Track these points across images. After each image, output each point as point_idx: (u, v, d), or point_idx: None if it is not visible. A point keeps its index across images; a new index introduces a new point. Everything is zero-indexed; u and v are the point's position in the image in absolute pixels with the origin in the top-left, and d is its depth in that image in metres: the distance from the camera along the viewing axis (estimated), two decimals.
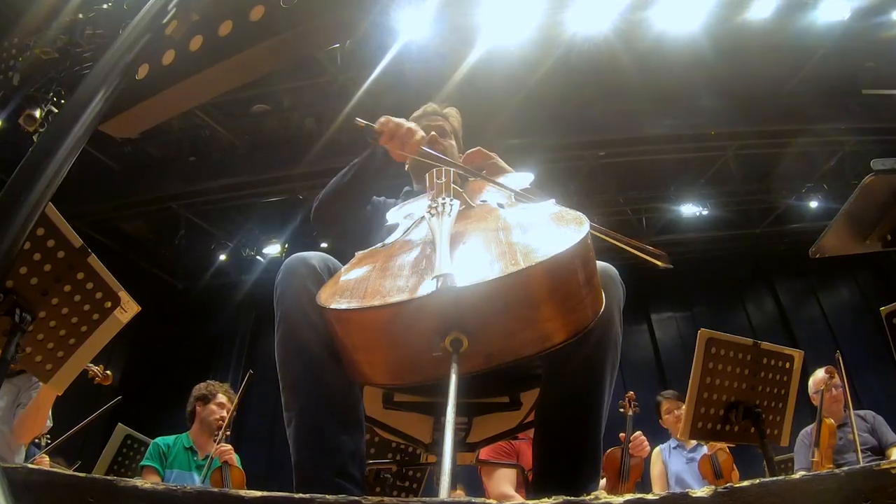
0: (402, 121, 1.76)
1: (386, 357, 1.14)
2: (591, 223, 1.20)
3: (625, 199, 9.18)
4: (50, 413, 3.00)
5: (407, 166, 2.20)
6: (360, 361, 1.17)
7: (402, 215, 1.67)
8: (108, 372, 3.39)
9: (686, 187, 9.20)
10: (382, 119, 1.76)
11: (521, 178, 1.81)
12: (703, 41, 6.79)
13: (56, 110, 5.81)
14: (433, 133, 2.10)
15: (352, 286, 1.17)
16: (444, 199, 1.38)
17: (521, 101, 7.33)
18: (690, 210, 9.45)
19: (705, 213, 9.45)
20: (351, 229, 1.95)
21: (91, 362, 2.78)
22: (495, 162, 1.94)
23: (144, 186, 8.51)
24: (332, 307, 1.12)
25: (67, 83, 5.91)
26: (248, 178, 8.32)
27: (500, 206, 1.52)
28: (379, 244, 1.41)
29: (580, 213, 1.23)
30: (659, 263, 1.32)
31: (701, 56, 6.95)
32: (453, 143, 2.18)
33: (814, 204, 9.11)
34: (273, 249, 10.14)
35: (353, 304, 1.10)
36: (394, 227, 1.57)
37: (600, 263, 1.31)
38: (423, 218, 1.41)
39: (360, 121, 1.75)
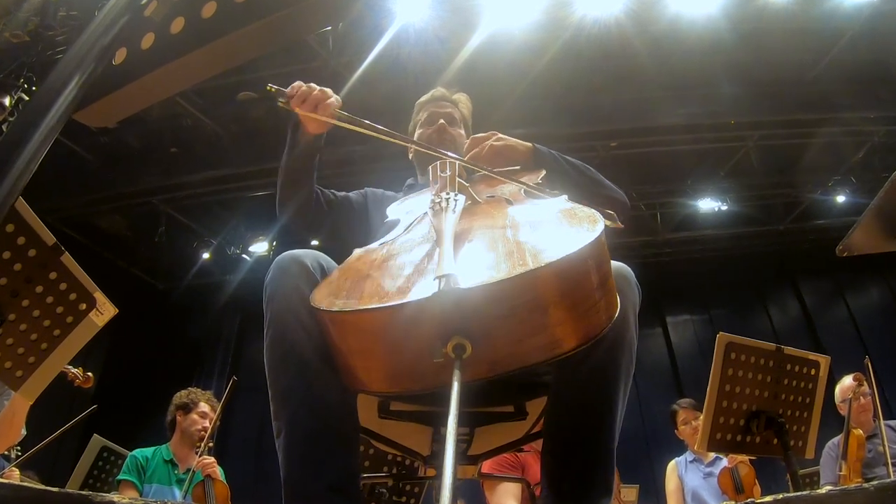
0: (313, 85, 1.74)
1: (384, 363, 1.14)
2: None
3: (638, 194, 9.17)
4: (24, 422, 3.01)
5: (411, 156, 2.20)
6: (356, 367, 1.17)
7: (404, 211, 1.67)
8: (89, 374, 3.38)
9: (704, 181, 9.21)
10: (295, 83, 1.75)
11: (532, 172, 1.81)
12: (721, 24, 6.78)
13: (27, 98, 5.80)
14: (442, 122, 2.10)
15: (348, 286, 1.17)
16: (448, 193, 1.38)
17: (526, 89, 7.32)
18: (708, 205, 9.46)
19: (724, 208, 9.46)
20: (347, 225, 1.96)
21: (68, 364, 2.78)
22: (497, 142, 1.92)
23: (122, 180, 8.50)
24: (326, 308, 1.12)
25: (39, 69, 5.90)
26: (233, 171, 8.31)
27: (509, 202, 1.52)
28: (378, 242, 1.41)
29: (594, 211, 1.23)
30: (609, 223, 1.32)
31: (719, 40, 6.95)
32: (462, 131, 2.18)
33: (841, 198, 9.12)
34: (260, 247, 10.14)
35: (350, 306, 1.10)
36: (394, 224, 1.57)
37: (614, 263, 1.31)
38: (425, 214, 1.41)
39: (272, 86, 1.73)
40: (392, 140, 1.77)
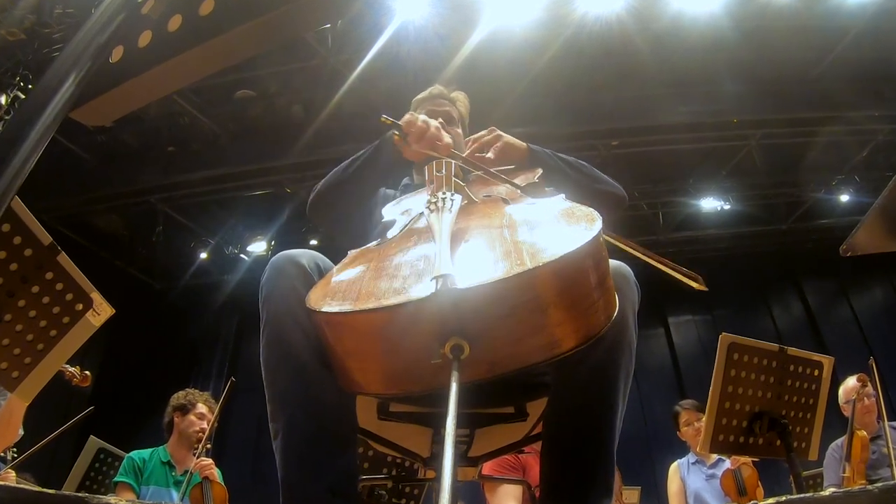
0: (429, 121, 1.79)
1: (381, 364, 1.14)
2: (617, 235, 1.19)
3: (639, 193, 9.18)
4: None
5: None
6: (353, 369, 1.17)
7: (400, 211, 1.67)
8: (87, 373, 3.37)
9: (706, 180, 9.21)
10: (408, 117, 1.79)
11: (528, 171, 1.81)
12: (724, 21, 6.78)
13: (23, 96, 5.81)
14: (440, 120, 2.10)
15: (344, 287, 1.16)
16: (444, 193, 1.38)
17: (526, 87, 7.33)
18: (711, 204, 9.46)
19: (727, 207, 9.46)
20: (345, 224, 1.96)
21: (65, 364, 2.78)
22: (501, 144, 1.92)
23: (119, 179, 8.50)
24: (322, 310, 1.12)
25: (35, 67, 5.91)
26: (231, 170, 8.32)
27: (506, 201, 1.52)
28: (374, 242, 1.41)
29: (592, 210, 1.24)
30: (694, 285, 1.32)
31: (722, 37, 6.95)
32: (460, 131, 2.18)
33: (845, 198, 9.12)
34: (258, 247, 10.15)
35: (346, 307, 1.09)
36: (390, 224, 1.57)
37: (613, 262, 1.31)
38: (421, 214, 1.41)
39: (387, 118, 1.77)
40: (487, 174, 1.76)
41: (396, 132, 1.77)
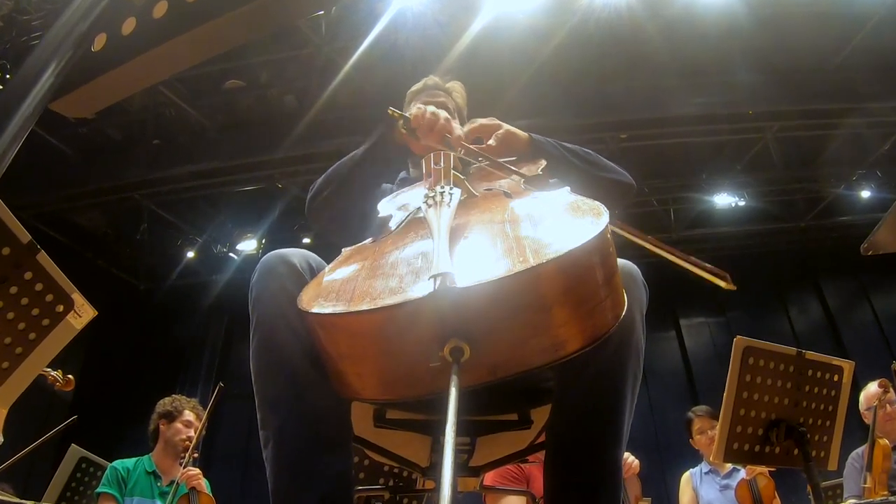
0: (438, 112, 1.79)
1: (377, 368, 1.14)
2: (630, 227, 1.19)
3: (650, 188, 9.17)
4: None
5: None
6: (348, 373, 1.16)
7: (396, 206, 1.66)
8: (70, 376, 3.36)
9: (720, 175, 9.20)
10: (416, 111, 1.79)
11: (532, 163, 1.81)
12: (738, 8, 6.78)
13: (1, 87, 5.81)
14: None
15: (338, 287, 1.16)
16: (442, 187, 1.38)
17: (531, 77, 7.33)
18: (725, 201, 9.45)
19: (742, 204, 9.45)
20: (343, 222, 1.96)
21: (47, 367, 2.78)
22: (503, 132, 1.92)
23: (102, 173, 8.50)
24: (315, 311, 1.12)
25: (13, 56, 5.91)
26: (219, 164, 8.32)
27: (507, 195, 1.52)
28: (369, 239, 1.41)
29: (598, 203, 1.23)
30: (721, 284, 1.29)
31: (737, 25, 6.95)
32: (457, 123, 2.18)
33: (866, 193, 9.12)
34: (248, 245, 10.15)
35: (339, 308, 1.09)
36: (386, 220, 1.56)
37: (619, 260, 1.31)
38: (419, 209, 1.41)
39: (394, 111, 1.78)
40: (497, 167, 1.76)
41: (403, 126, 1.77)
